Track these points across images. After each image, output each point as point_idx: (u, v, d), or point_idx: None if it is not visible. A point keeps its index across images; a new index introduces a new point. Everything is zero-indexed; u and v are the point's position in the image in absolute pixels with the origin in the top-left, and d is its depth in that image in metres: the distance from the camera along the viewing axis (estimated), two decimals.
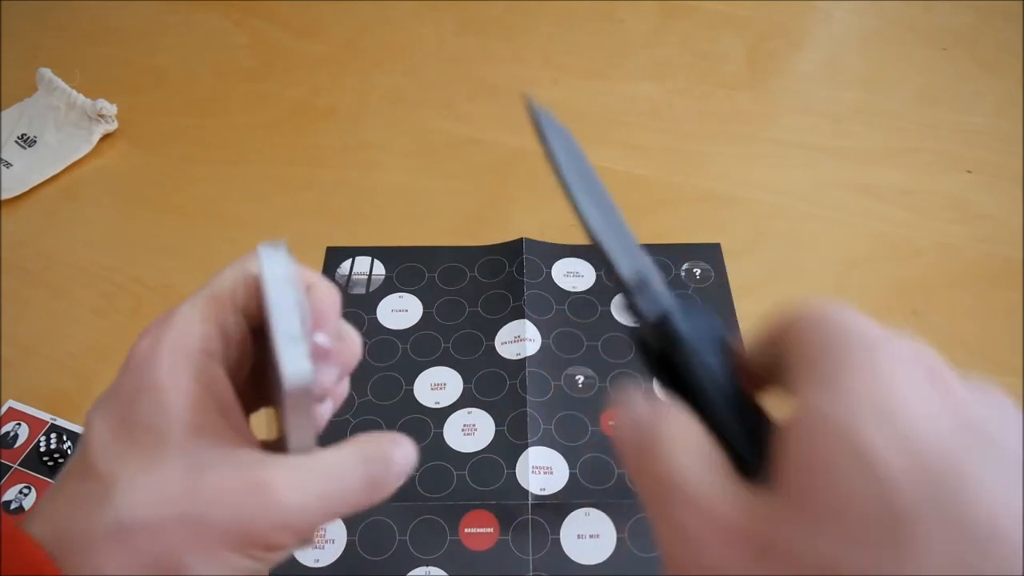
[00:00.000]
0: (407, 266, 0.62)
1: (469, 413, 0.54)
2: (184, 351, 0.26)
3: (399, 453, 0.27)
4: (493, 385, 0.55)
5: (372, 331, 0.58)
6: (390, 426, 0.54)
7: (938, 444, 0.18)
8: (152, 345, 0.27)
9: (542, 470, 0.51)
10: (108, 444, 0.25)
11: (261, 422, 0.31)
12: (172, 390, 0.25)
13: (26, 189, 0.66)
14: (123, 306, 0.60)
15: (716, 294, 0.60)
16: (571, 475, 0.51)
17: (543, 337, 0.57)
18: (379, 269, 0.62)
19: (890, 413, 0.18)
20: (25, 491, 0.51)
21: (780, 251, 0.63)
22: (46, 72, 0.70)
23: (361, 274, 0.62)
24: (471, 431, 0.53)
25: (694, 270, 0.62)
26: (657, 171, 0.69)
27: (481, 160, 0.70)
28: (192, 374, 0.26)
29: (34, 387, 0.55)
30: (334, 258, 0.63)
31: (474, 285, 0.61)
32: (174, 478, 0.24)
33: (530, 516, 0.49)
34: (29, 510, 0.27)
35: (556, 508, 0.49)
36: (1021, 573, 0.16)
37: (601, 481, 0.51)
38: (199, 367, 0.26)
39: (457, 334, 0.58)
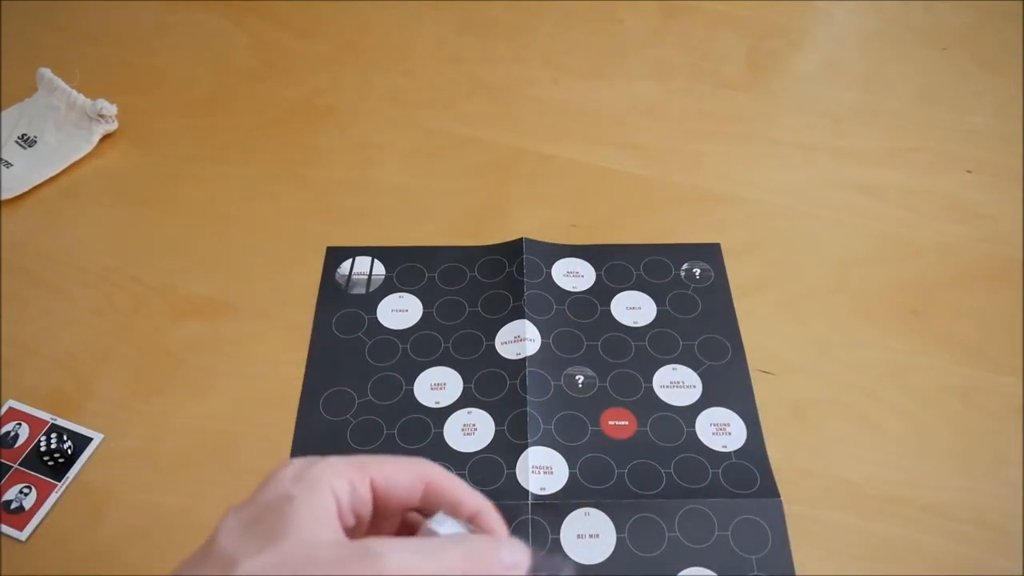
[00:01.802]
0: (407, 266, 0.62)
1: (469, 413, 0.54)
2: (318, 486, 0.29)
3: (504, 555, 0.29)
4: (493, 385, 0.55)
5: (372, 331, 0.58)
6: (390, 426, 0.54)
7: None
8: (295, 472, 0.30)
9: (542, 470, 0.51)
10: (235, 533, 0.28)
11: None
12: (300, 503, 0.28)
13: (26, 189, 0.66)
14: (123, 306, 0.60)
15: (716, 294, 0.60)
16: (571, 475, 0.51)
17: (543, 337, 0.57)
18: (379, 269, 0.62)
19: None
20: (25, 491, 0.51)
21: (780, 251, 0.63)
22: (46, 72, 0.70)
23: (361, 274, 0.62)
24: (471, 431, 0.53)
25: (694, 270, 0.62)
26: (657, 171, 0.69)
27: (481, 160, 0.70)
28: (320, 496, 0.29)
29: (34, 387, 0.55)
30: (334, 258, 0.63)
31: (474, 285, 0.61)
32: (292, 550, 0.27)
33: (530, 516, 0.49)
34: None
35: (556, 508, 0.49)
36: None
37: (601, 481, 0.51)
38: (327, 497, 0.29)
39: (457, 334, 0.58)
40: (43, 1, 0.84)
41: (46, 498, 0.50)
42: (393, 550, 0.27)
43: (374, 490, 0.30)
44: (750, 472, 0.51)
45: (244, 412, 0.54)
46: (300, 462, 0.30)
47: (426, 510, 0.32)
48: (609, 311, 0.59)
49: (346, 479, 0.30)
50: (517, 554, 0.30)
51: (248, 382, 0.56)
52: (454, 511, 0.31)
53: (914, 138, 0.72)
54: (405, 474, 0.31)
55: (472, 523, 0.32)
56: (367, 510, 0.31)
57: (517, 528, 0.48)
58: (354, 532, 0.31)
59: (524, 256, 0.61)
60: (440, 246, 0.63)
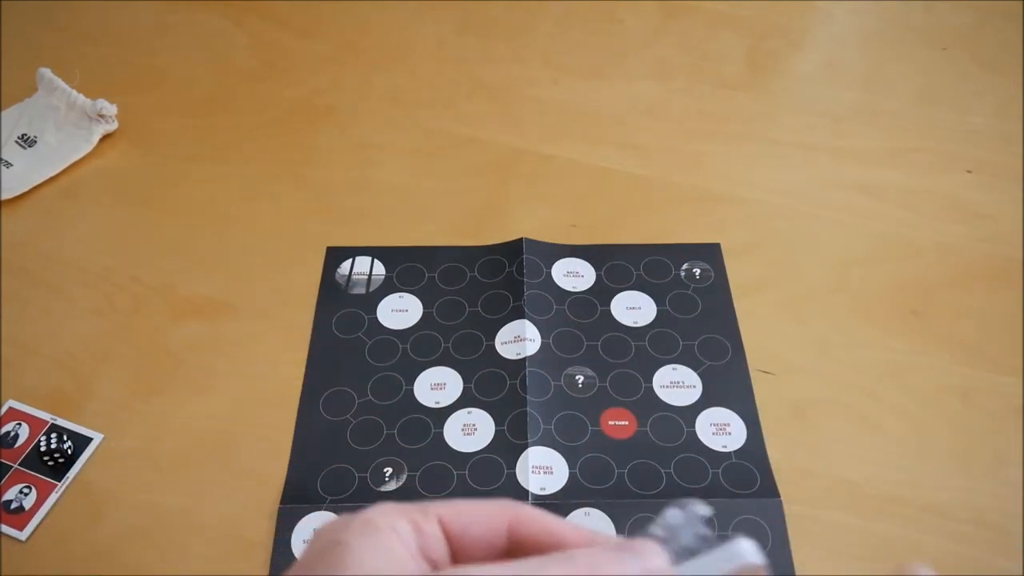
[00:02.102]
0: (407, 266, 0.62)
1: (469, 413, 0.54)
2: (374, 526, 0.25)
3: (631, 565, 0.24)
4: (493, 385, 0.55)
5: (372, 331, 0.58)
6: (390, 426, 0.53)
7: None
8: (342, 522, 0.25)
9: (542, 470, 0.51)
10: None
11: None
12: (356, 546, 0.24)
13: (26, 189, 0.66)
14: (123, 306, 0.60)
15: (716, 294, 0.60)
16: (571, 475, 0.51)
17: (543, 337, 0.57)
18: (379, 269, 0.62)
19: None
20: (25, 491, 0.51)
21: (780, 251, 0.63)
22: (46, 72, 0.70)
23: (361, 274, 0.62)
24: (471, 431, 0.53)
25: (694, 270, 0.62)
26: (657, 171, 0.69)
27: (481, 160, 0.70)
28: (378, 536, 0.24)
29: (34, 387, 0.55)
30: (334, 258, 0.63)
31: (474, 285, 0.61)
32: None
33: None
34: None
35: (556, 508, 0.49)
36: None
37: (601, 481, 0.51)
38: (387, 536, 0.25)
39: (457, 334, 0.58)
40: (43, 1, 0.84)
41: (46, 498, 0.50)
42: (481, 570, 0.22)
43: (446, 529, 0.26)
44: (750, 472, 0.51)
45: (244, 412, 0.54)
46: (345, 515, 0.26)
47: (520, 555, 0.26)
48: (609, 311, 0.59)
49: (406, 519, 0.25)
50: (650, 557, 0.24)
51: (248, 382, 0.56)
52: (552, 547, 0.25)
53: (914, 138, 0.72)
54: (481, 509, 0.26)
55: None
56: (441, 553, 0.26)
57: None
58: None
59: (524, 256, 0.61)
60: (440, 246, 0.63)
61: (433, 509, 0.25)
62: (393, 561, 0.23)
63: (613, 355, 0.57)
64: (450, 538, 0.25)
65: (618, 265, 0.62)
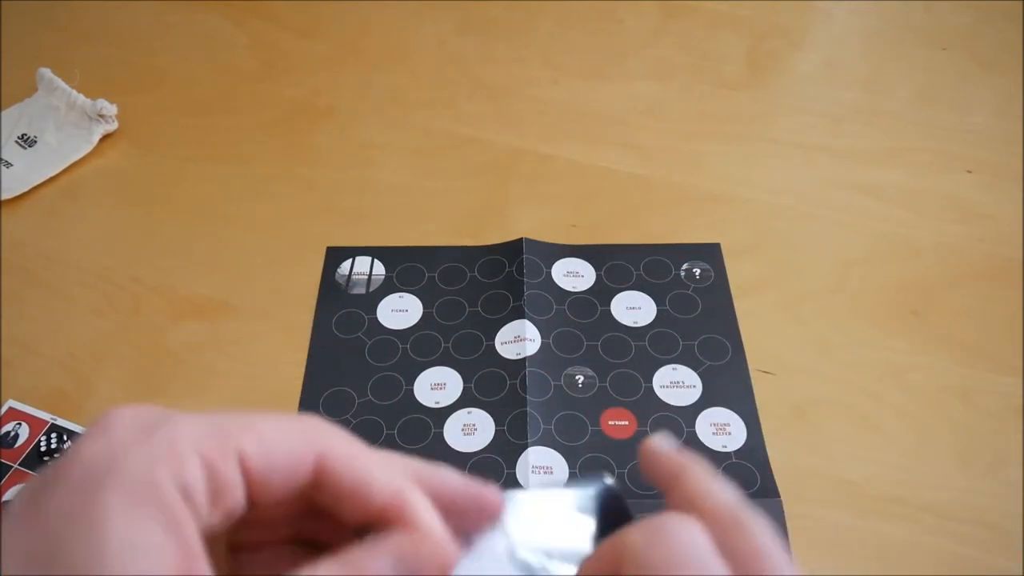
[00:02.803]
0: (407, 266, 0.62)
1: (469, 413, 0.54)
2: (152, 486, 0.20)
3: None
4: (493, 385, 0.55)
5: (372, 331, 0.58)
6: (390, 426, 0.53)
7: None
8: (95, 472, 0.20)
9: (542, 470, 0.51)
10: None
11: None
12: (116, 529, 0.19)
13: (26, 189, 0.66)
14: (123, 306, 0.60)
15: (716, 294, 0.60)
16: (571, 475, 0.51)
17: (543, 337, 0.57)
18: (379, 269, 0.62)
19: None
20: None
21: (780, 251, 0.63)
22: (46, 72, 0.70)
23: (361, 274, 0.62)
24: (471, 431, 0.53)
25: (694, 270, 0.62)
26: (657, 171, 0.69)
27: (481, 160, 0.70)
28: (152, 514, 0.20)
29: (34, 387, 0.55)
30: (334, 258, 0.63)
31: (474, 285, 0.61)
32: None
33: None
34: None
35: None
36: None
37: None
38: (166, 513, 0.20)
39: (457, 334, 0.58)
40: (43, 1, 0.84)
41: None
42: None
43: (246, 465, 0.22)
44: (750, 472, 0.51)
45: None
46: (138, 417, 0.22)
47: (322, 499, 0.23)
48: (609, 311, 0.59)
49: (198, 457, 0.21)
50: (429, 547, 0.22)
51: (248, 382, 0.56)
52: (353, 502, 0.22)
53: (914, 138, 0.72)
54: (287, 443, 0.22)
55: (386, 520, 0.23)
56: (235, 498, 0.21)
57: None
58: (214, 538, 0.22)
59: (524, 256, 0.61)
60: (440, 246, 0.63)
61: (233, 443, 0.22)
62: (178, 550, 0.19)
63: (613, 355, 0.57)
64: (249, 475, 0.22)
65: (618, 265, 0.62)
